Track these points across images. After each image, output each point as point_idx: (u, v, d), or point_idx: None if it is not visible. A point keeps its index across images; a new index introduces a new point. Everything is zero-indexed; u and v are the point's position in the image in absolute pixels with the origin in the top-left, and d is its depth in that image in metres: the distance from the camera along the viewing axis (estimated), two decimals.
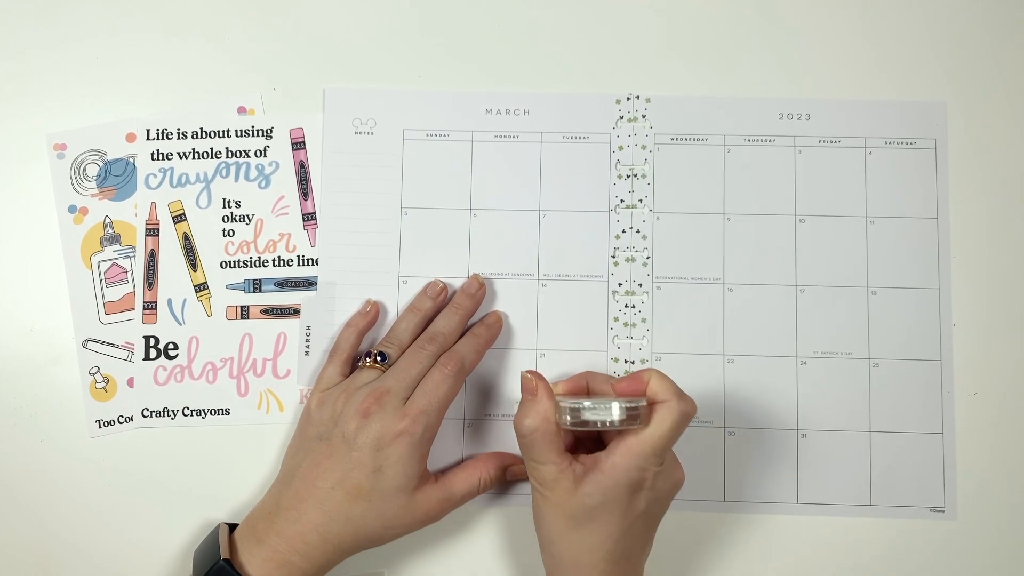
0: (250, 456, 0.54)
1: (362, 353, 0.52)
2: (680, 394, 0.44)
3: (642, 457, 0.43)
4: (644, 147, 0.55)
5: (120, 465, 0.54)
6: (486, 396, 0.54)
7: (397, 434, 0.46)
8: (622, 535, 0.44)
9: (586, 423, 0.44)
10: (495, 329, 0.53)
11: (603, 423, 0.43)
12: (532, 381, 0.46)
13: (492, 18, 0.57)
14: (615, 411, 0.43)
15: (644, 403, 0.44)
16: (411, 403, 0.48)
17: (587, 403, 0.44)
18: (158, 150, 0.55)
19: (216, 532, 0.48)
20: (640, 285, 0.54)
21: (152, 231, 0.55)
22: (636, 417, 0.43)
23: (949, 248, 0.54)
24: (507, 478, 0.52)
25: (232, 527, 0.48)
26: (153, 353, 0.54)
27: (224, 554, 0.45)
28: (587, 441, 0.49)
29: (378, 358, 0.50)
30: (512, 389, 0.54)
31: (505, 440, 0.54)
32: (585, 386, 0.49)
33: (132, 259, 0.55)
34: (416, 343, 0.51)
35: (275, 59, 0.56)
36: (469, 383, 0.54)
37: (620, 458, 0.43)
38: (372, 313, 0.53)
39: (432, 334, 0.51)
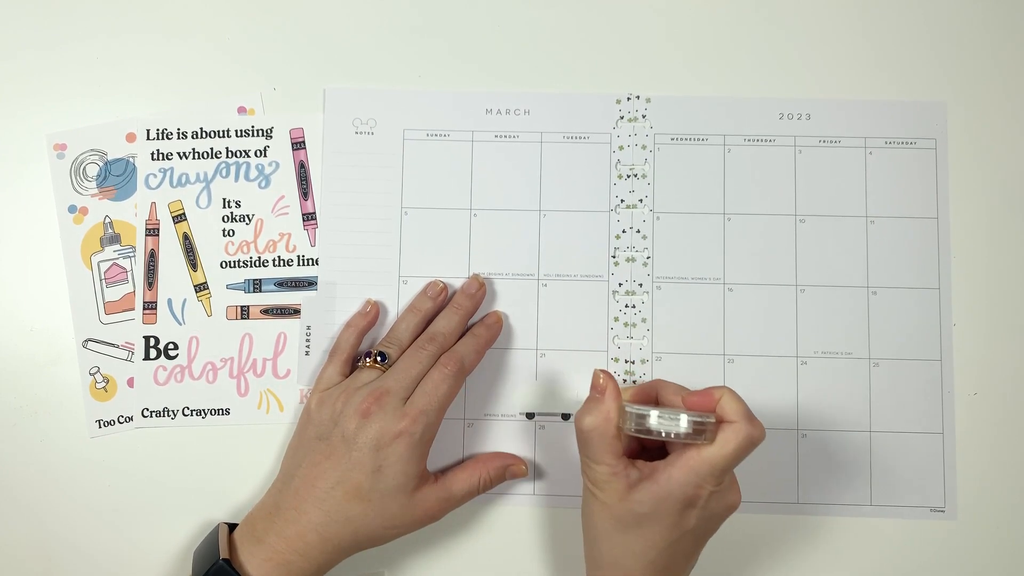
0: (250, 456, 0.54)
1: (362, 353, 0.52)
2: (750, 417, 0.43)
3: (700, 475, 0.43)
4: (644, 147, 0.55)
5: (120, 465, 0.54)
6: (486, 396, 0.54)
7: (397, 434, 0.46)
8: (667, 547, 0.44)
9: (650, 431, 0.43)
10: (495, 329, 0.53)
11: (668, 434, 0.43)
12: (601, 380, 0.46)
13: (492, 18, 0.57)
14: (682, 423, 0.43)
15: (713, 420, 0.43)
16: (411, 403, 0.48)
17: (655, 412, 0.43)
18: (158, 150, 0.55)
19: (216, 532, 0.48)
20: (640, 285, 0.54)
21: (152, 231, 0.55)
22: (702, 432, 0.43)
23: (949, 248, 0.54)
24: (507, 478, 0.52)
25: (232, 527, 0.48)
26: (153, 353, 0.54)
27: (224, 554, 0.45)
28: (652, 450, 0.48)
29: (378, 358, 0.50)
30: (513, 390, 0.54)
31: (505, 440, 0.54)
32: (655, 395, 0.48)
33: (132, 259, 0.55)
34: (416, 343, 0.51)
35: (275, 59, 0.56)
36: (469, 383, 0.54)
37: (678, 471, 0.43)
38: (372, 313, 0.53)
39: (432, 334, 0.51)
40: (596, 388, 0.46)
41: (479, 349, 0.52)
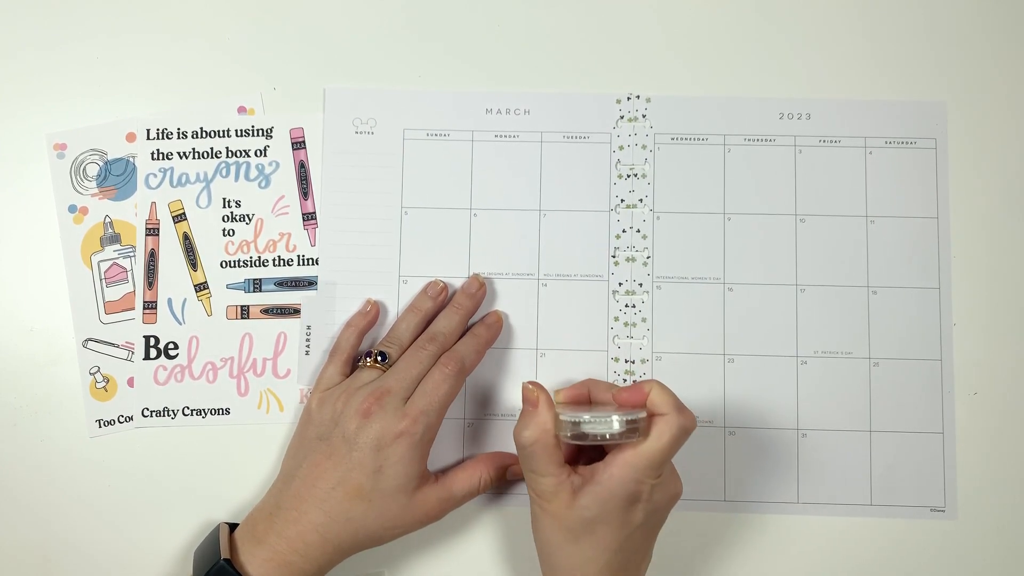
0: (250, 456, 0.54)
1: (362, 353, 0.52)
2: (680, 407, 0.44)
3: (639, 470, 0.43)
4: (644, 147, 0.55)
5: (120, 465, 0.54)
6: (486, 396, 0.54)
7: (398, 434, 0.46)
8: (620, 547, 0.44)
9: (585, 436, 0.43)
10: (495, 329, 0.53)
11: (602, 436, 0.43)
12: (534, 392, 0.45)
13: (492, 18, 0.57)
14: (614, 424, 0.43)
15: (644, 415, 0.43)
16: (411, 403, 0.48)
17: (587, 416, 0.43)
18: (158, 150, 0.55)
19: (216, 532, 0.47)
20: (640, 285, 0.54)
21: (152, 231, 0.55)
22: (635, 430, 0.43)
23: (949, 248, 0.54)
24: (507, 478, 0.52)
25: (232, 527, 0.48)
26: (153, 353, 0.54)
27: (224, 554, 0.45)
28: (588, 451, 0.49)
29: (378, 358, 0.50)
30: (513, 390, 0.54)
31: (505, 440, 0.54)
32: (587, 394, 0.49)
33: (132, 259, 0.55)
34: (416, 343, 0.51)
35: (275, 59, 0.56)
36: (469, 383, 0.54)
37: (617, 470, 0.43)
38: (372, 313, 0.53)
39: (432, 334, 0.51)
40: (529, 401, 0.45)
41: (479, 349, 0.52)
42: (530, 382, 0.46)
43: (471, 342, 0.51)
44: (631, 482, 0.43)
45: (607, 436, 0.43)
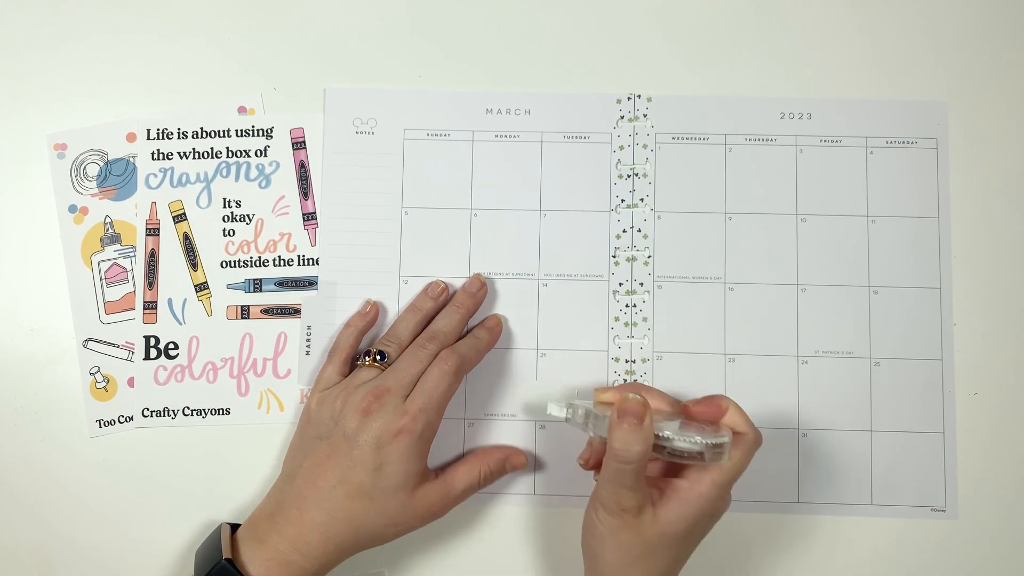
0: (250, 456, 0.54)
1: (361, 352, 0.51)
2: (754, 426, 0.45)
3: (723, 488, 0.44)
4: (645, 146, 0.55)
5: (120, 465, 0.54)
6: (487, 396, 0.54)
7: (397, 432, 0.46)
8: (684, 559, 0.45)
9: (680, 454, 0.43)
10: (496, 333, 0.53)
11: (695, 455, 0.43)
12: (641, 406, 0.43)
13: (493, 18, 0.57)
14: (709, 444, 0.43)
15: (729, 438, 0.44)
16: (411, 401, 0.47)
17: (675, 434, 0.43)
18: (158, 150, 0.55)
19: (218, 532, 0.47)
20: (641, 284, 0.54)
21: (152, 231, 0.55)
22: (724, 453, 0.43)
23: (950, 248, 0.54)
24: (507, 470, 0.52)
25: (234, 528, 0.48)
26: (153, 353, 0.54)
27: (226, 554, 0.45)
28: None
29: (377, 357, 0.50)
30: (513, 389, 0.54)
31: (505, 440, 0.53)
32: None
33: (132, 259, 0.55)
34: (416, 342, 0.51)
35: (275, 59, 0.56)
36: (469, 383, 0.54)
37: (705, 489, 0.43)
38: (372, 313, 0.53)
39: (432, 333, 0.51)
40: (633, 414, 0.43)
41: (480, 350, 0.52)
42: (638, 395, 0.44)
43: (471, 343, 0.51)
44: (718, 500, 0.44)
45: (702, 456, 0.43)
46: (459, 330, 0.52)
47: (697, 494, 0.44)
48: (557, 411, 0.48)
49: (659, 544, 0.44)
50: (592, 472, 0.49)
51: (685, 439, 0.43)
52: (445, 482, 0.49)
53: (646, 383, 0.53)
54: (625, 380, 0.54)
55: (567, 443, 0.53)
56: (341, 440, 0.47)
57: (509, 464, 0.52)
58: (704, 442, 0.43)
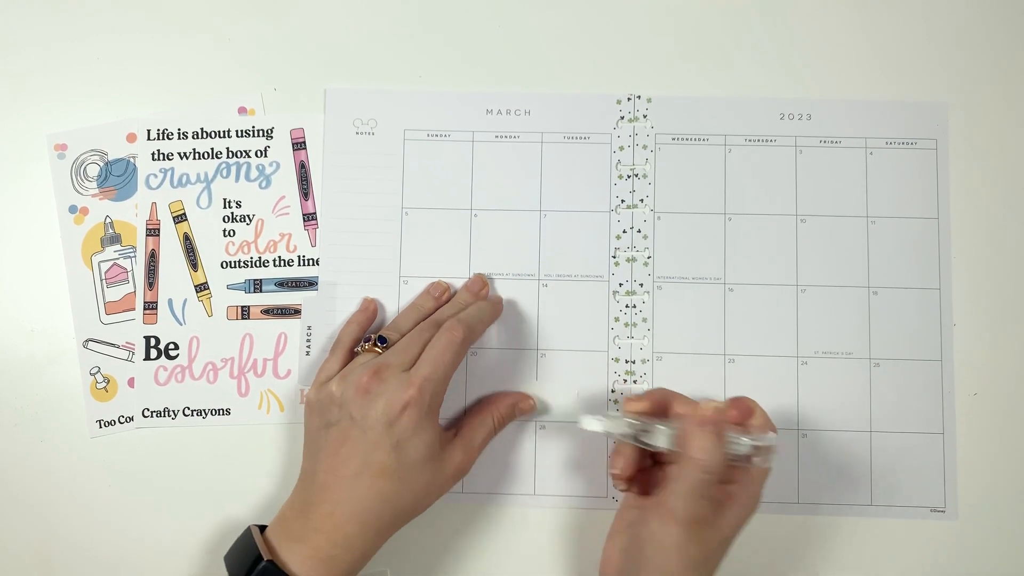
0: (250, 456, 0.54)
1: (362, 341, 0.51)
2: (774, 425, 0.46)
3: (762, 486, 0.45)
4: (645, 147, 0.55)
5: (121, 465, 0.54)
6: (486, 396, 0.54)
7: (404, 404, 0.45)
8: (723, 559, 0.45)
9: (743, 459, 0.44)
10: (499, 306, 0.53)
11: (743, 457, 0.44)
12: (720, 415, 0.44)
13: (493, 18, 0.57)
14: (764, 445, 0.44)
15: (774, 439, 0.45)
16: (415, 371, 0.46)
17: (736, 439, 0.44)
18: (159, 150, 0.55)
19: (248, 535, 0.46)
20: (641, 285, 0.54)
21: (153, 231, 0.55)
22: (770, 455, 0.45)
23: (949, 248, 0.54)
24: (516, 415, 0.52)
25: (261, 529, 0.47)
26: (154, 353, 0.54)
27: (266, 555, 0.44)
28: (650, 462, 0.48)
29: (378, 342, 0.49)
30: (513, 389, 0.54)
31: (505, 440, 0.53)
32: (666, 404, 0.48)
33: (133, 259, 0.55)
34: (418, 327, 0.50)
35: (275, 59, 0.56)
36: (469, 383, 0.54)
37: (757, 489, 0.45)
38: (371, 308, 0.53)
39: (435, 319, 0.50)
40: (711, 422, 0.43)
41: (484, 320, 0.51)
42: (658, 396, 0.45)
43: (476, 313, 0.50)
44: (758, 499, 0.45)
45: (749, 458, 0.44)
46: (482, 326, 0.51)
47: (749, 496, 0.44)
48: (594, 425, 0.47)
49: (719, 549, 0.44)
50: (614, 481, 0.48)
51: (744, 443, 0.44)
52: (464, 438, 0.49)
53: (645, 384, 0.53)
54: (625, 380, 0.54)
55: (567, 443, 0.53)
56: (349, 423, 0.46)
57: (518, 409, 0.52)
58: (758, 444, 0.44)
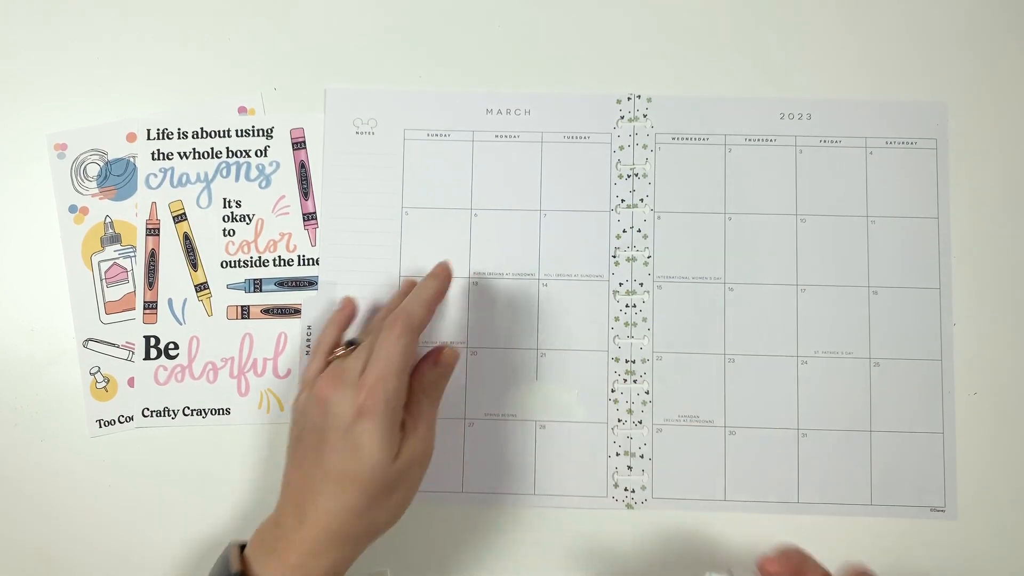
0: (250, 456, 0.54)
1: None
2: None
3: None
4: (645, 147, 0.55)
5: (121, 465, 0.54)
6: (486, 396, 0.54)
7: (358, 410, 0.44)
8: None
9: None
10: (442, 278, 0.50)
11: None
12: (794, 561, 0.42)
13: (493, 18, 0.57)
14: None
15: None
16: (366, 375, 0.45)
17: None
18: (158, 150, 0.55)
19: (226, 552, 0.46)
20: (641, 284, 0.54)
21: (153, 231, 0.55)
22: None
23: (949, 248, 0.54)
24: (447, 373, 0.49)
25: (243, 547, 0.46)
26: (154, 353, 0.54)
27: (236, 567, 0.44)
28: None
29: (347, 345, 0.48)
30: (513, 389, 0.54)
31: (504, 439, 0.54)
32: (800, 567, 0.44)
33: (132, 259, 0.55)
34: (375, 328, 0.49)
35: (275, 59, 0.56)
36: (469, 383, 0.54)
37: None
38: (348, 307, 0.52)
39: (396, 313, 0.48)
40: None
41: (425, 301, 0.48)
42: (794, 555, 0.42)
43: (414, 297, 0.48)
44: None
45: None
46: (422, 308, 0.48)
47: None
48: None
49: None
50: None
51: None
52: (411, 428, 0.46)
53: (646, 385, 0.53)
54: (625, 380, 0.54)
55: (567, 443, 0.53)
56: (313, 433, 0.45)
57: (441, 367, 0.49)
58: None
